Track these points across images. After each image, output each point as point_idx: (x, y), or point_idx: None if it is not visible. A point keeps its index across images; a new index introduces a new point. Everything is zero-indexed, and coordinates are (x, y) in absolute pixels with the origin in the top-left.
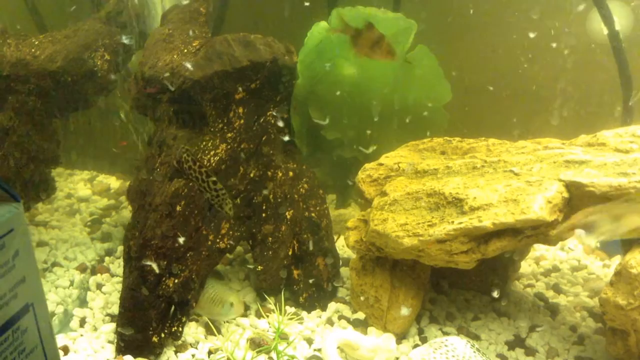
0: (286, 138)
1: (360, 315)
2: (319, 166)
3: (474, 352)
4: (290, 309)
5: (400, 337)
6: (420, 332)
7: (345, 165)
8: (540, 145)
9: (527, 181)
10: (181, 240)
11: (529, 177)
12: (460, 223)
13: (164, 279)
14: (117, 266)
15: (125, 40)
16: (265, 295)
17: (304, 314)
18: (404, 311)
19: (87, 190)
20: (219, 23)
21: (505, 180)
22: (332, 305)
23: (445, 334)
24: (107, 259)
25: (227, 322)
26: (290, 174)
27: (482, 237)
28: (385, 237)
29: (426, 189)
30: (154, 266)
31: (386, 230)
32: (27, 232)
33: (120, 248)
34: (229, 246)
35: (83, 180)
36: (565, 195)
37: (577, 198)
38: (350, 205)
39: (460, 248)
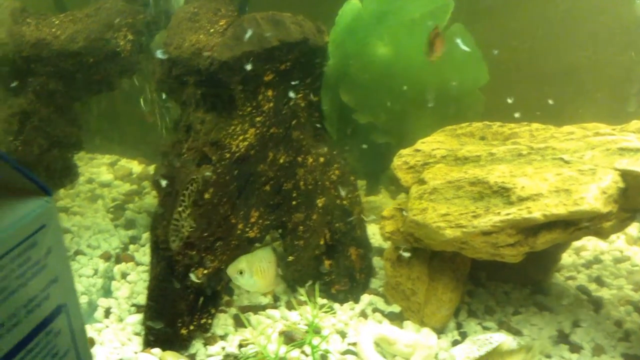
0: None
1: (395, 308)
2: (348, 151)
3: None
4: (322, 301)
5: (438, 332)
6: (459, 326)
7: (376, 150)
8: (588, 131)
9: (579, 170)
10: (210, 229)
11: (580, 166)
12: (508, 214)
13: (192, 269)
14: (142, 254)
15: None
16: (297, 287)
17: (336, 306)
18: (444, 310)
19: (108, 175)
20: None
21: (555, 168)
22: (365, 297)
23: (485, 329)
24: (131, 246)
25: (258, 313)
26: (321, 159)
27: (531, 229)
28: (424, 228)
29: (469, 177)
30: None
31: (426, 220)
32: (59, 227)
33: (145, 236)
34: (258, 235)
35: (104, 164)
36: (621, 185)
37: (634, 188)
38: (381, 192)
39: (507, 240)
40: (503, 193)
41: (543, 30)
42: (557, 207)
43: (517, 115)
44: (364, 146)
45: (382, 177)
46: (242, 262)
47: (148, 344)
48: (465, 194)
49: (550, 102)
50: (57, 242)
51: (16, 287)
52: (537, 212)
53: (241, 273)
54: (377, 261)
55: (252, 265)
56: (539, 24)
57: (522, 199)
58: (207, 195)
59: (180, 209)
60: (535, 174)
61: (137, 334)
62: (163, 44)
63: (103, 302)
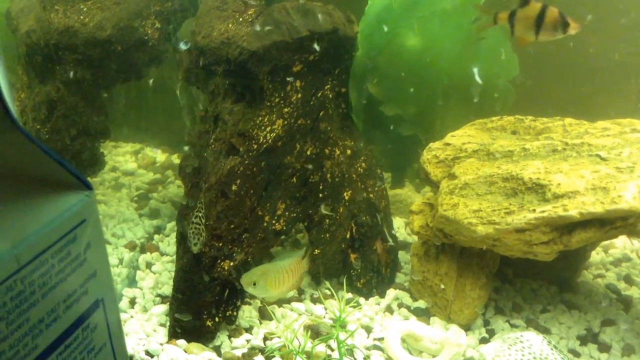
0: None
1: (422, 303)
2: (374, 143)
3: (551, 349)
4: (348, 295)
5: (465, 329)
6: (486, 323)
7: (403, 143)
8: (624, 127)
9: (616, 167)
10: (236, 221)
11: (618, 163)
12: (543, 212)
13: (219, 261)
14: (167, 244)
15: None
16: (324, 281)
17: (361, 300)
18: (472, 307)
19: (132, 164)
20: None
21: (591, 165)
22: (391, 292)
23: (513, 326)
24: (156, 236)
25: (282, 306)
26: (348, 152)
27: (566, 227)
28: (455, 224)
29: (501, 173)
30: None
31: (457, 216)
32: (99, 222)
33: (169, 226)
34: (284, 228)
35: (128, 153)
36: None
37: None
38: (405, 185)
39: (540, 238)
40: (538, 190)
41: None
42: (594, 205)
43: (547, 108)
44: (389, 143)
45: (408, 170)
46: (256, 274)
47: (174, 335)
48: (498, 189)
49: (581, 96)
50: (96, 237)
51: (56, 282)
52: (573, 210)
53: (254, 284)
54: (401, 255)
55: (268, 277)
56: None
57: (557, 196)
58: (234, 187)
59: (199, 213)
60: (571, 171)
61: (162, 324)
62: (191, 33)
63: (128, 292)
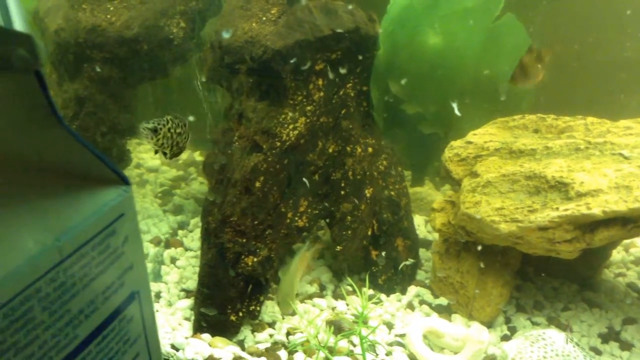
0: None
1: (443, 300)
2: (394, 142)
3: (574, 346)
4: (369, 292)
5: (487, 326)
6: (508, 321)
7: (423, 141)
8: None
9: (639, 166)
10: (260, 217)
11: None
12: (566, 210)
13: (242, 256)
14: (191, 240)
15: None
16: (345, 277)
17: (382, 296)
18: (493, 305)
19: (155, 161)
20: None
21: (614, 164)
22: (412, 289)
23: (535, 324)
24: (180, 232)
25: (304, 302)
26: (370, 149)
27: (588, 225)
28: (478, 222)
29: (524, 171)
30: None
31: (479, 214)
32: (136, 216)
33: (194, 221)
34: (307, 225)
35: (151, 150)
36: None
37: None
38: (426, 183)
39: (563, 236)
40: (561, 188)
41: (597, 21)
42: (617, 203)
43: (568, 107)
44: (410, 142)
45: (427, 168)
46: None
47: (199, 329)
48: (520, 188)
49: (601, 95)
50: (133, 231)
51: (96, 275)
52: (596, 208)
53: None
54: (422, 253)
55: (293, 291)
56: (594, 15)
57: (580, 195)
58: (257, 184)
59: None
60: (594, 170)
61: (186, 319)
62: (215, 32)
63: (153, 287)
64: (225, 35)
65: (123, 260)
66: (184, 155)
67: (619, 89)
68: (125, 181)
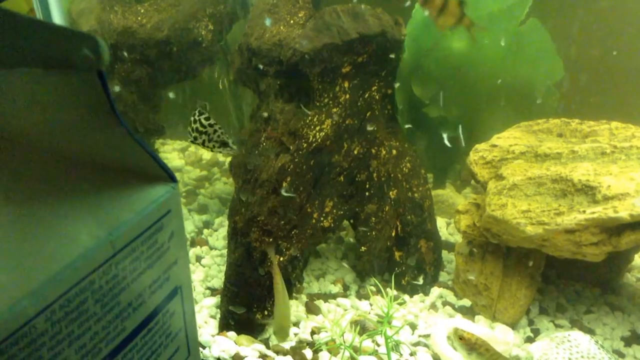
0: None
1: (466, 302)
2: (417, 144)
3: (599, 348)
4: (392, 292)
5: (510, 328)
6: (531, 323)
7: (444, 144)
8: None
9: None
10: (287, 217)
11: None
12: (593, 213)
13: (269, 256)
14: (216, 239)
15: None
16: (373, 278)
17: (405, 297)
18: (517, 307)
19: (180, 161)
20: None
21: None
22: (435, 290)
23: (558, 326)
24: (205, 231)
25: (328, 301)
26: (394, 152)
27: (615, 228)
28: (504, 224)
29: (550, 174)
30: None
31: (505, 216)
32: (182, 213)
33: (218, 220)
34: (332, 225)
35: (175, 150)
36: None
37: None
38: (447, 186)
39: (590, 239)
40: (588, 191)
41: (620, 26)
42: None
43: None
44: (432, 144)
45: (449, 171)
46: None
47: (225, 327)
48: (546, 191)
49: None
50: (179, 227)
51: (144, 269)
52: (623, 211)
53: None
54: (444, 255)
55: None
56: (616, 19)
57: (607, 198)
58: (284, 184)
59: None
60: (621, 173)
61: (212, 316)
62: (243, 35)
63: None
64: (268, 24)
65: (169, 255)
66: (207, 155)
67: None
68: (172, 179)
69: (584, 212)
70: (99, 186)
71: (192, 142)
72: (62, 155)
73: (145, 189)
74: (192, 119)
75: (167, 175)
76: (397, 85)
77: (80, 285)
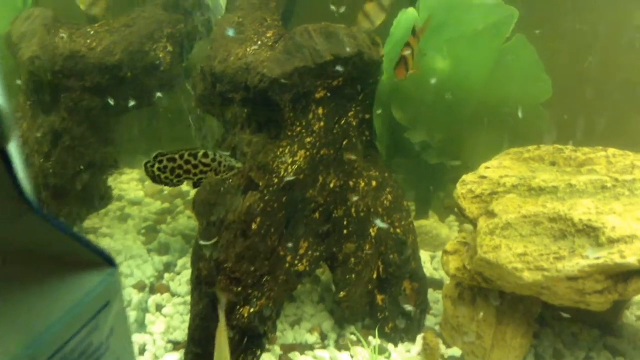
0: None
1: (456, 351)
2: (397, 172)
3: None
4: (376, 341)
5: None
6: None
7: (429, 171)
8: None
9: None
10: (257, 263)
11: None
12: (598, 258)
13: (238, 307)
14: (178, 284)
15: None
16: (347, 325)
17: (390, 347)
18: (512, 357)
19: (139, 192)
20: (290, 8)
21: None
22: (422, 338)
23: None
24: (166, 275)
25: (304, 353)
26: (374, 183)
27: (622, 274)
28: (498, 269)
29: (548, 213)
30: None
31: (500, 260)
32: (123, 302)
33: (181, 262)
34: (308, 269)
35: (134, 180)
36: None
37: None
38: (430, 215)
39: (594, 287)
40: (590, 233)
41: (609, 43)
42: None
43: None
44: (414, 172)
45: (433, 200)
46: None
47: None
48: (544, 231)
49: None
50: (120, 321)
51: None
52: (631, 257)
53: None
54: (429, 293)
55: None
56: (605, 35)
57: (613, 241)
58: (254, 226)
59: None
60: (626, 212)
61: None
62: (206, 58)
63: (137, 338)
64: (231, 34)
65: (108, 356)
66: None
67: (629, 113)
68: (110, 263)
69: (588, 257)
70: (22, 285)
71: (194, 186)
72: None
73: (76, 281)
74: (177, 164)
75: (104, 260)
76: (379, 111)
77: None
